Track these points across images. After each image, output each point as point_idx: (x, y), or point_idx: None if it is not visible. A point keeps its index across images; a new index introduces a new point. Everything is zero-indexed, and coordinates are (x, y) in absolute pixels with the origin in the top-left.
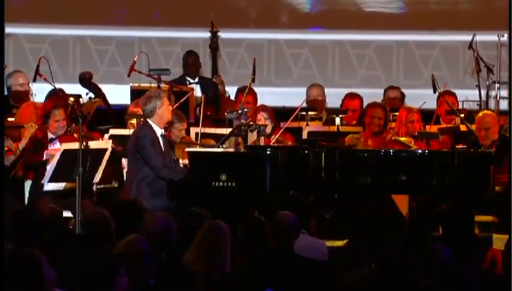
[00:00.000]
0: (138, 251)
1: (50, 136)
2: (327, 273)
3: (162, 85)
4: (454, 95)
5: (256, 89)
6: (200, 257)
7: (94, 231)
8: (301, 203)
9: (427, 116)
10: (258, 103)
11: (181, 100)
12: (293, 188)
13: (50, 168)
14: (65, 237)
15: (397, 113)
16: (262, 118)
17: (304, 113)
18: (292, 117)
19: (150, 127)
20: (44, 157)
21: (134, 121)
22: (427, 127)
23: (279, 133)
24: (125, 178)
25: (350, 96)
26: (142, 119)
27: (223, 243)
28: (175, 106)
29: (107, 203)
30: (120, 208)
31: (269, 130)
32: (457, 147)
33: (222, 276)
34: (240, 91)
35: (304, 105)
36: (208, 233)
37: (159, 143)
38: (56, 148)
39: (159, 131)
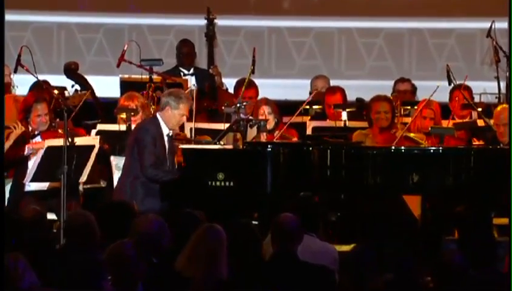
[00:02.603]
0: (123, 257)
1: (32, 132)
2: (333, 280)
3: (154, 77)
4: (469, 89)
5: (256, 81)
6: (194, 263)
7: (78, 236)
8: (311, 205)
9: (442, 109)
10: (259, 97)
11: None
12: (296, 188)
13: (32, 166)
14: (48, 240)
15: (408, 107)
16: (264, 112)
17: (307, 106)
18: (297, 112)
19: (158, 123)
20: (26, 152)
21: (124, 116)
22: (442, 121)
23: (284, 128)
24: (116, 177)
25: (331, 91)
26: (132, 113)
27: (220, 248)
28: None
29: (96, 205)
30: (110, 210)
31: (271, 125)
32: (474, 143)
33: (218, 283)
34: (239, 84)
35: (310, 99)
36: (204, 237)
37: (163, 142)
38: (39, 142)
39: (166, 130)
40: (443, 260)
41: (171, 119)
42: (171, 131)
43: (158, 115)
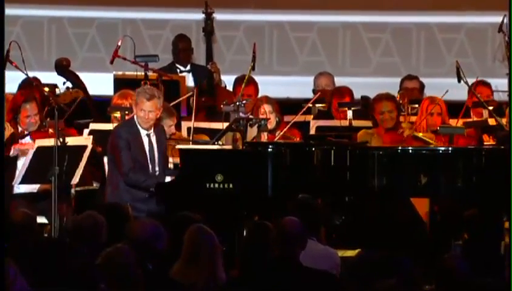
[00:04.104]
0: (120, 264)
1: (22, 132)
2: (337, 287)
3: (150, 74)
4: (488, 86)
5: (257, 78)
6: (188, 267)
7: (84, 238)
8: (312, 208)
9: (452, 108)
10: (260, 94)
11: (179, 100)
12: (298, 190)
13: (21, 167)
14: (39, 245)
15: (416, 106)
16: (265, 111)
17: (310, 105)
18: (301, 112)
19: (134, 124)
20: (11, 153)
21: (118, 115)
22: (451, 120)
23: (286, 127)
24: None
25: (339, 92)
26: (127, 112)
27: (213, 249)
28: (171, 104)
29: (88, 208)
30: (103, 213)
31: (273, 124)
32: (485, 143)
33: (216, 288)
34: (239, 81)
35: (315, 98)
36: (195, 239)
37: (141, 142)
38: (26, 142)
39: (144, 131)
40: (445, 266)
41: (138, 117)
42: (150, 131)
43: (135, 116)
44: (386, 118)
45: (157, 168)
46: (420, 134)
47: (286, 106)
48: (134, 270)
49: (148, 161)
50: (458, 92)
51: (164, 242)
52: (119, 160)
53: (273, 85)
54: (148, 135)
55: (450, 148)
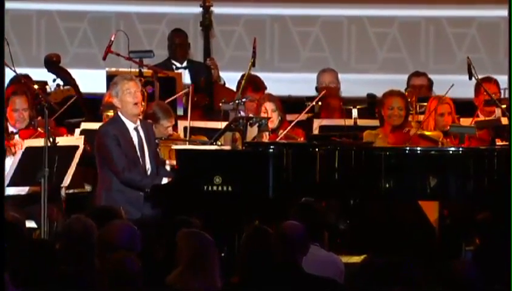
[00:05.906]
0: (125, 271)
1: (10, 129)
2: None
3: (144, 70)
4: (495, 83)
5: (257, 75)
6: (185, 274)
7: (74, 244)
8: (315, 212)
9: (462, 107)
10: None
11: (174, 97)
12: (301, 193)
13: (9, 169)
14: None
15: (424, 104)
16: (267, 109)
17: (314, 103)
18: (306, 110)
19: (119, 120)
20: None
21: (111, 113)
22: (462, 121)
23: (289, 127)
24: None
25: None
26: None
27: (211, 255)
28: (167, 101)
29: (80, 211)
30: (95, 217)
31: (275, 123)
32: (498, 143)
33: None
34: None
35: (320, 96)
36: (193, 245)
37: (129, 137)
38: (14, 142)
39: (131, 125)
40: (455, 272)
41: (123, 107)
42: (137, 124)
43: (119, 113)
44: (395, 114)
45: (148, 166)
46: (426, 133)
47: (287, 104)
48: (137, 279)
49: (139, 157)
50: (467, 90)
51: (138, 248)
52: (111, 159)
53: (274, 82)
54: (136, 129)
55: (460, 149)
